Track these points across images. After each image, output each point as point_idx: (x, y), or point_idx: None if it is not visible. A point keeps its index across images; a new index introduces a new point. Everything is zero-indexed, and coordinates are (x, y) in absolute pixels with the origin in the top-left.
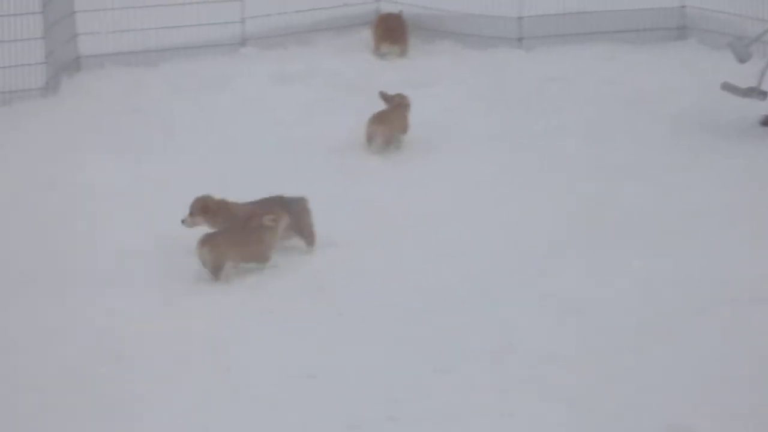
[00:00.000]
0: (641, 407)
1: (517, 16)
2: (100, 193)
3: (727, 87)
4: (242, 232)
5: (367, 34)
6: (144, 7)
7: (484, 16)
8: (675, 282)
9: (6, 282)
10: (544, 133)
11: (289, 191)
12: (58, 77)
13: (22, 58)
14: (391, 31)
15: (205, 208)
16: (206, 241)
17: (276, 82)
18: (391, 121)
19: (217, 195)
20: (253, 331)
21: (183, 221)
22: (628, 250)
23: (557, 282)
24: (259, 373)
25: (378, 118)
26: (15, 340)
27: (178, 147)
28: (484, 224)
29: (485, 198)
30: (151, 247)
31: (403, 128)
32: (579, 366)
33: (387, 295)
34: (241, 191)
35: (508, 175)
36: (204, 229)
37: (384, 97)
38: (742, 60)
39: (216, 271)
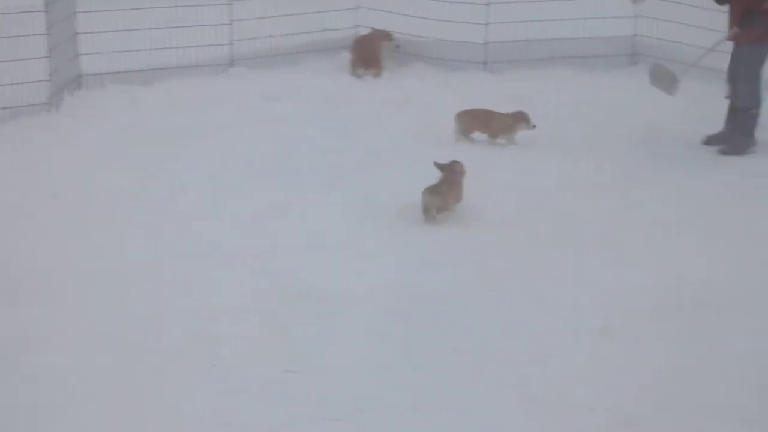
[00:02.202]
0: (600, 404)
1: (483, 42)
2: (102, 201)
3: (655, 73)
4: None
5: (346, 57)
6: (141, 29)
7: (453, 41)
8: (635, 288)
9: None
10: (509, 150)
11: (279, 196)
12: (61, 94)
13: (28, 76)
14: (366, 55)
15: None
16: (434, 191)
17: (264, 99)
18: (445, 191)
19: None
20: (236, 330)
21: None
22: (593, 259)
23: (527, 287)
24: (243, 369)
25: (433, 190)
26: (42, 341)
27: (174, 158)
28: (456, 236)
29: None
30: (152, 254)
31: (458, 197)
32: (541, 364)
33: (366, 297)
34: (234, 198)
35: (477, 189)
36: None
37: (438, 166)
38: (671, 93)
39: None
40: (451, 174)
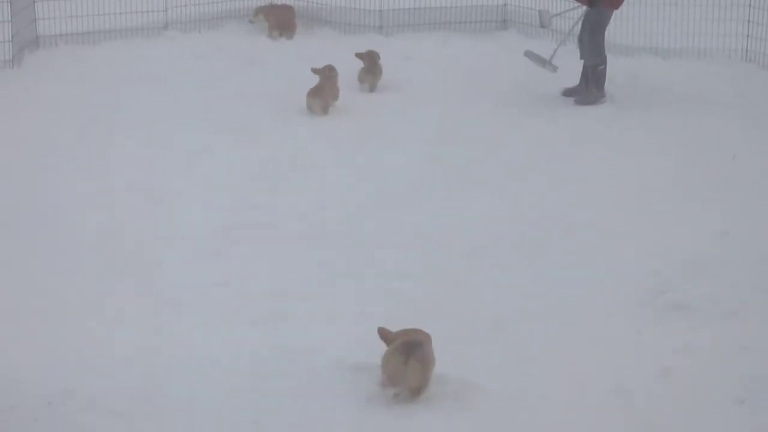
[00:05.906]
0: (472, 309)
1: (379, 9)
2: (59, 147)
3: (529, 54)
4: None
5: (263, 21)
6: None
7: (353, 8)
8: (499, 216)
9: None
10: (399, 101)
11: (203, 140)
12: (21, 53)
13: None
14: (281, 20)
15: None
16: (315, 93)
17: (193, 57)
18: (324, 92)
19: None
20: (175, 253)
21: None
22: (464, 193)
23: (413, 218)
24: (182, 285)
25: (314, 92)
26: None
27: (118, 107)
28: (346, 177)
29: (354, 149)
30: (98, 190)
31: (335, 95)
32: (425, 278)
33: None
34: (172, 142)
35: (372, 132)
36: None
37: (315, 71)
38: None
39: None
40: (326, 77)
